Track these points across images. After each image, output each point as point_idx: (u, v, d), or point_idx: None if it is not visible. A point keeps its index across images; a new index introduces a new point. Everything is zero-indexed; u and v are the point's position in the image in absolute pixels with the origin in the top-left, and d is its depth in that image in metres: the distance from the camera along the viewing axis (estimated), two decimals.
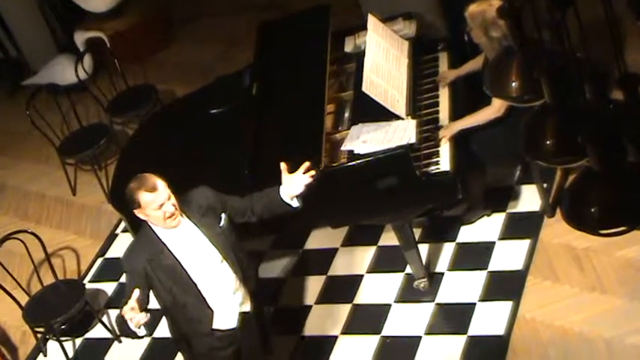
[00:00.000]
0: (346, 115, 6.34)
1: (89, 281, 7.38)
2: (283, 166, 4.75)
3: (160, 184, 4.60)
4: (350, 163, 5.79)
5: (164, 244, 4.70)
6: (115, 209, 6.48)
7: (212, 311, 4.77)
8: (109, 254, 7.62)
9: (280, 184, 4.82)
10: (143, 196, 4.62)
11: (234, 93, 6.70)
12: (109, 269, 7.44)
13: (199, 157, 6.40)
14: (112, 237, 7.82)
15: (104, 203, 7.96)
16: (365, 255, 6.67)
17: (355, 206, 5.86)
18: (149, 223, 4.72)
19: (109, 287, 7.29)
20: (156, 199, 4.59)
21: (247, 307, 4.96)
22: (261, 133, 6.13)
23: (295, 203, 4.84)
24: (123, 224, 7.68)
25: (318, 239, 6.98)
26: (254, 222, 4.97)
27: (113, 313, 6.91)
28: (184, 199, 4.75)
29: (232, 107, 6.60)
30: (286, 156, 5.25)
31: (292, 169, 5.00)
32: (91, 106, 8.83)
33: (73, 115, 8.23)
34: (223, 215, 4.80)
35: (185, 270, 4.70)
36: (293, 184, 4.84)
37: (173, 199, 4.60)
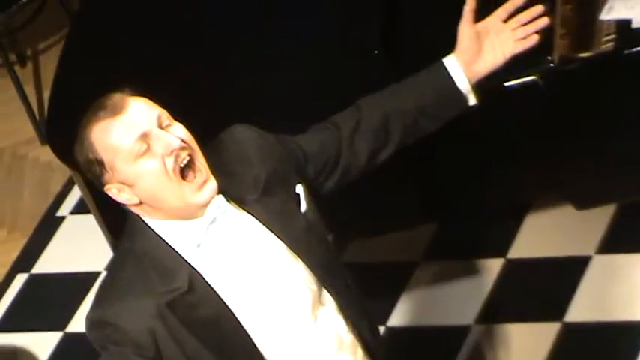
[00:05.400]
0: None
1: None
2: (470, 4, 3.17)
3: (135, 100, 2.90)
4: (621, 51, 4.04)
5: (187, 263, 2.85)
6: (59, 159, 4.25)
7: None
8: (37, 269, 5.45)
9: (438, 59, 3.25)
10: (101, 134, 2.85)
11: None
12: None
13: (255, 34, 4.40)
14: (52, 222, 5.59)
15: (34, 147, 5.79)
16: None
17: (630, 148, 4.19)
18: (145, 221, 2.92)
19: None
20: (131, 129, 2.84)
21: None
22: None
23: (472, 98, 3.27)
24: (76, 192, 5.45)
25: (532, 243, 4.85)
26: (379, 163, 3.21)
27: None
28: (218, 163, 2.99)
29: None
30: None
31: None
32: None
33: None
34: (300, 188, 3.05)
35: (236, 319, 2.89)
36: (489, 46, 3.20)
37: (177, 126, 2.86)
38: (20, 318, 5.23)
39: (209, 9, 4.56)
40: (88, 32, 4.60)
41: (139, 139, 2.77)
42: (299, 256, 3.02)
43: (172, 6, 4.55)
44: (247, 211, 2.98)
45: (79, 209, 5.40)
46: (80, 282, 5.18)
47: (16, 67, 5.88)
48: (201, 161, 2.84)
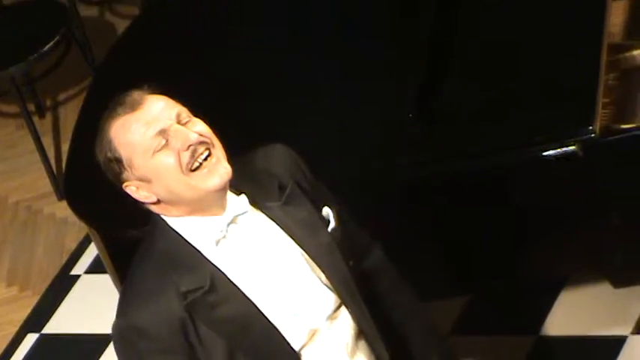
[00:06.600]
0: None
1: None
2: None
3: (154, 97, 2.93)
4: None
5: (208, 260, 2.90)
6: (76, 215, 4.14)
7: None
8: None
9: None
10: (120, 130, 2.89)
11: None
12: None
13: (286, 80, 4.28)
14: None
15: (50, 202, 5.64)
16: None
17: None
18: (165, 220, 2.95)
19: None
20: (150, 124, 2.86)
21: None
22: (442, 41, 4.30)
23: None
24: (92, 250, 5.31)
25: (565, 321, 4.65)
26: None
27: None
28: (243, 169, 3.07)
29: None
30: (501, 98, 3.76)
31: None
32: None
33: None
34: (329, 210, 3.08)
35: (264, 316, 2.94)
36: None
37: (196, 121, 2.91)
38: None
39: (237, 66, 4.42)
40: (111, 84, 4.45)
41: (157, 135, 2.78)
42: (320, 268, 3.03)
43: (198, 60, 4.55)
44: (269, 217, 2.99)
45: (95, 268, 5.30)
46: (93, 344, 5.06)
47: (35, 118, 5.79)
48: (218, 153, 2.86)
